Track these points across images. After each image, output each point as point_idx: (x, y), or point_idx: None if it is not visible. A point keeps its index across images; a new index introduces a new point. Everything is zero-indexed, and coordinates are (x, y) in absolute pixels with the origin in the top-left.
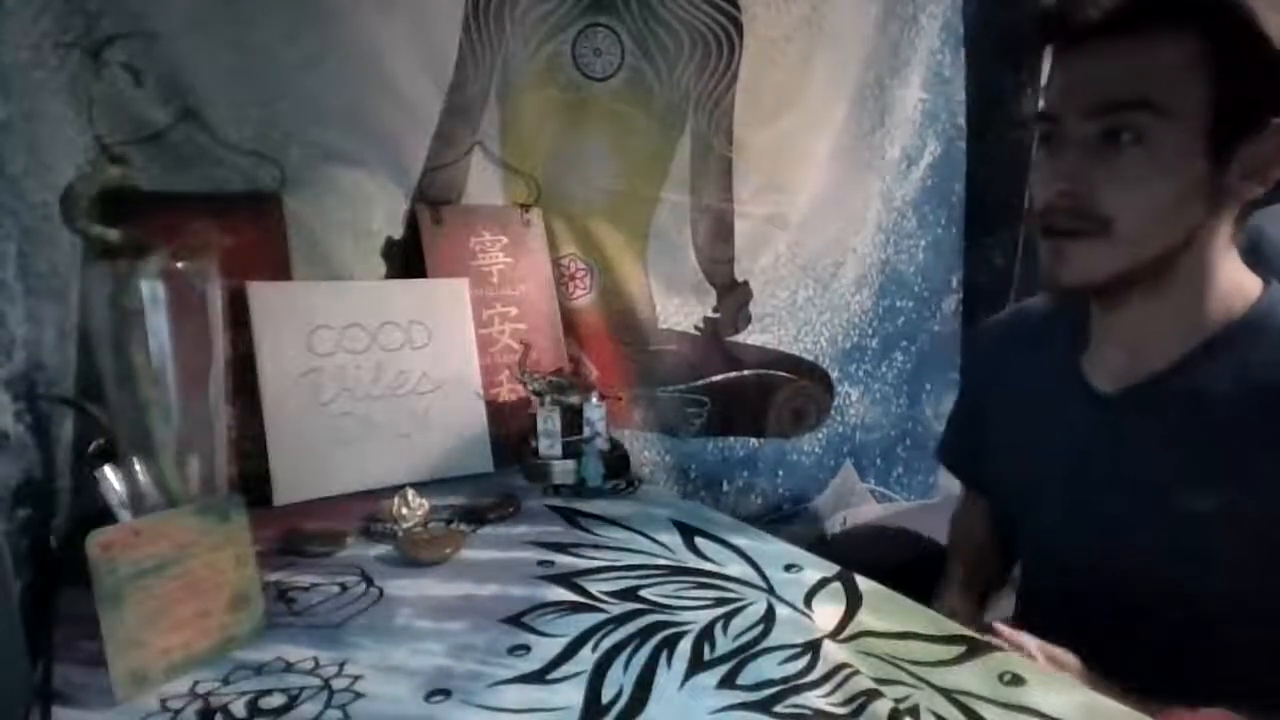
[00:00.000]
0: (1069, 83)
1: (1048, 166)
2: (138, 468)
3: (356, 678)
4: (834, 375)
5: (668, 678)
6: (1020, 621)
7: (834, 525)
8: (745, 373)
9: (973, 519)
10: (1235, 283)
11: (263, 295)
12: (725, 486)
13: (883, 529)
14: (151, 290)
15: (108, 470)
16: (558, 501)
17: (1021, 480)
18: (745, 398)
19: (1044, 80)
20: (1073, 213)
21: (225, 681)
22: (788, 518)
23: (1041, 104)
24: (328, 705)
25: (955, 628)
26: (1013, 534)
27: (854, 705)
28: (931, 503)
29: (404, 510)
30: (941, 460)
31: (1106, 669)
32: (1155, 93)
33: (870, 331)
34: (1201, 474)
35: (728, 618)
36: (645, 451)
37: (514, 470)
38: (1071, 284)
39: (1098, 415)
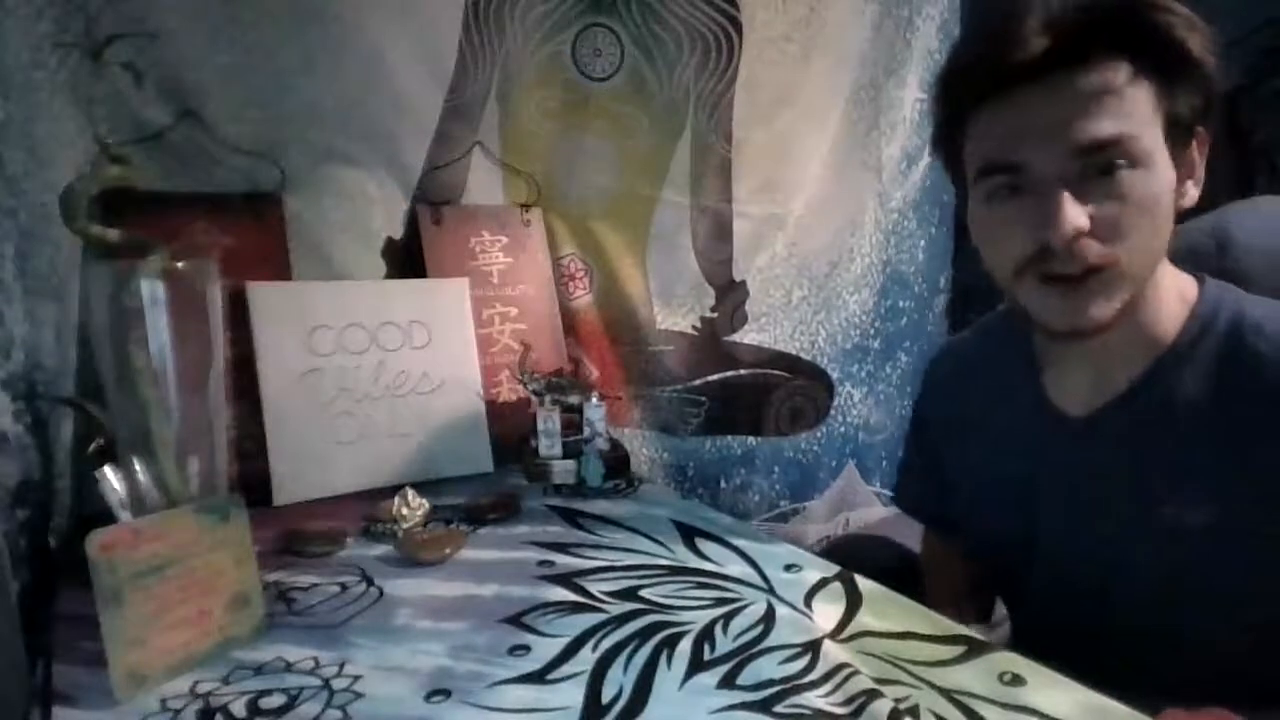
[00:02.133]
0: (1024, 128)
1: (1022, 215)
2: (138, 468)
3: (356, 678)
4: (835, 375)
5: (668, 678)
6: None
7: (836, 526)
8: (742, 372)
9: (944, 560)
10: (1176, 287)
11: (263, 295)
12: (723, 484)
13: (869, 537)
14: (151, 290)
15: (108, 470)
16: (558, 501)
17: (999, 515)
18: (743, 397)
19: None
20: (1081, 248)
21: (225, 681)
22: (785, 516)
23: (989, 156)
24: (328, 705)
25: (955, 628)
26: (990, 573)
27: (854, 705)
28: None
29: (404, 510)
30: (902, 507)
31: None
32: (1127, 119)
33: (872, 332)
34: (1183, 484)
35: (728, 618)
36: (644, 450)
37: (514, 470)
38: (1088, 329)
39: (1070, 440)
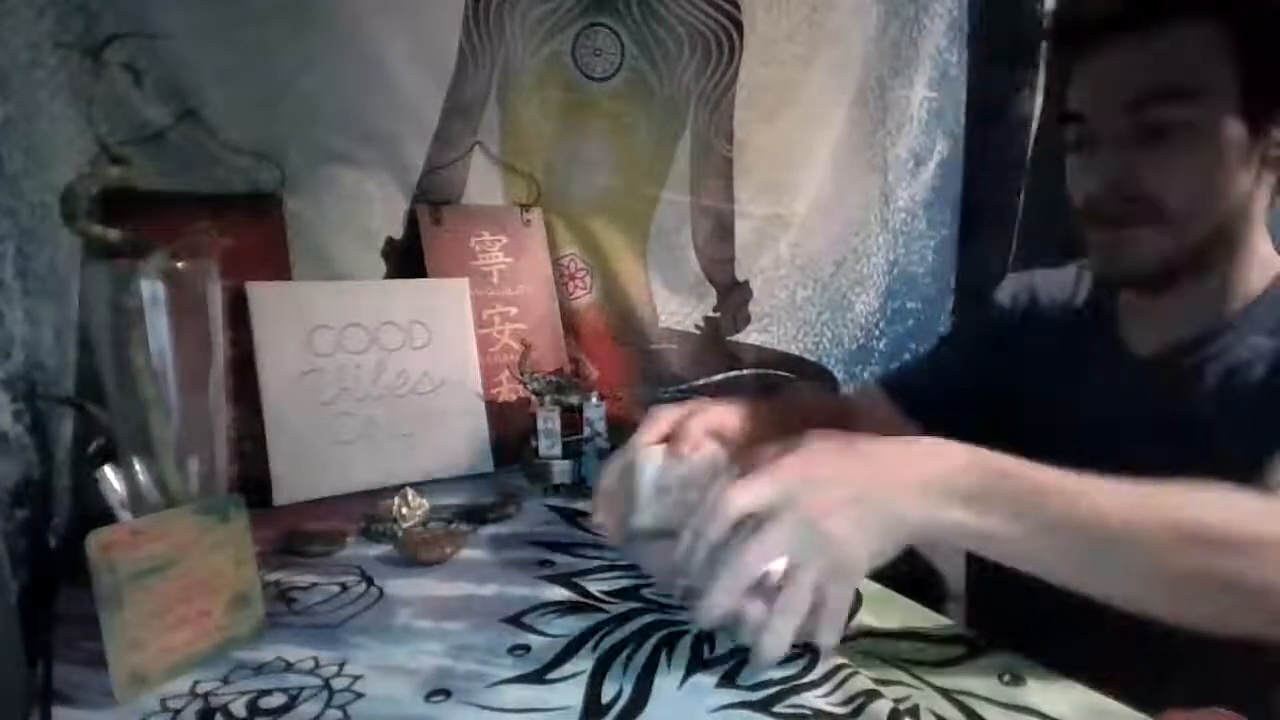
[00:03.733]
0: (1094, 82)
1: (1084, 166)
2: (138, 468)
3: (356, 678)
4: (840, 377)
5: (668, 678)
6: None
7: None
8: (745, 372)
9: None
10: (1266, 257)
11: (263, 295)
12: None
13: None
14: (151, 290)
15: (108, 470)
16: (558, 501)
17: (1055, 438)
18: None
19: (1046, 82)
20: (1124, 201)
21: (225, 681)
22: None
23: (1068, 107)
24: (328, 705)
25: (955, 628)
26: None
27: (854, 705)
28: None
29: (404, 510)
30: (885, 385)
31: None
32: (1187, 80)
33: (878, 333)
34: (1233, 437)
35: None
36: None
37: (514, 470)
38: (1130, 275)
39: (1131, 377)
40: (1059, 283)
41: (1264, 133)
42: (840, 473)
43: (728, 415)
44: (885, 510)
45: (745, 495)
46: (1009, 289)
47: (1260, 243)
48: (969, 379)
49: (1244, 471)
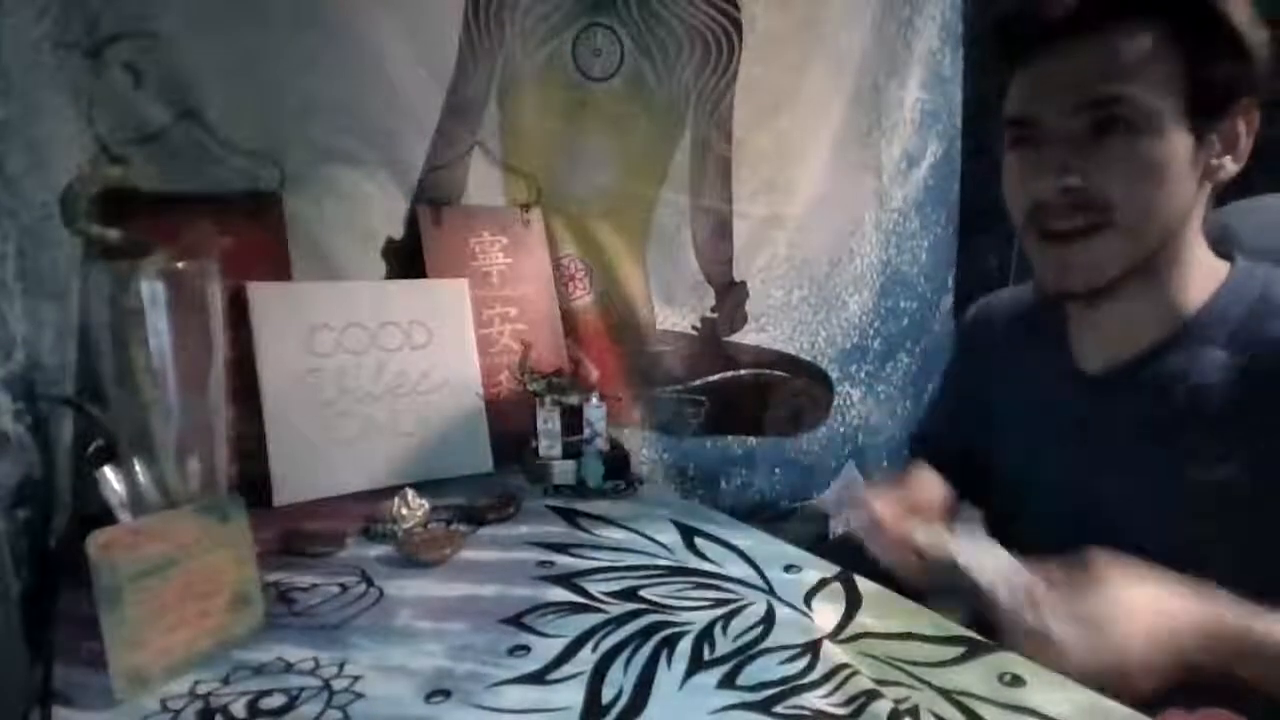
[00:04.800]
0: (1043, 84)
1: (1027, 168)
2: (138, 468)
3: (356, 678)
4: (834, 376)
5: (668, 678)
6: None
7: (838, 527)
8: (742, 372)
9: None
10: (1209, 264)
11: (263, 295)
12: (724, 485)
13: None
14: (151, 290)
15: (108, 470)
16: (558, 501)
17: (1023, 463)
18: (743, 397)
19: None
20: (1073, 207)
21: (225, 681)
22: (785, 517)
23: (1011, 110)
24: (328, 705)
25: (955, 628)
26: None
27: (854, 706)
28: None
29: (404, 510)
30: (916, 452)
31: None
32: (1138, 82)
33: (872, 333)
34: (1189, 450)
35: (728, 618)
36: (644, 450)
37: (514, 470)
38: (1079, 289)
39: (1083, 395)
40: (1014, 302)
41: (1206, 142)
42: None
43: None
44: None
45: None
46: (971, 314)
47: (1201, 252)
48: (959, 415)
49: (1210, 488)
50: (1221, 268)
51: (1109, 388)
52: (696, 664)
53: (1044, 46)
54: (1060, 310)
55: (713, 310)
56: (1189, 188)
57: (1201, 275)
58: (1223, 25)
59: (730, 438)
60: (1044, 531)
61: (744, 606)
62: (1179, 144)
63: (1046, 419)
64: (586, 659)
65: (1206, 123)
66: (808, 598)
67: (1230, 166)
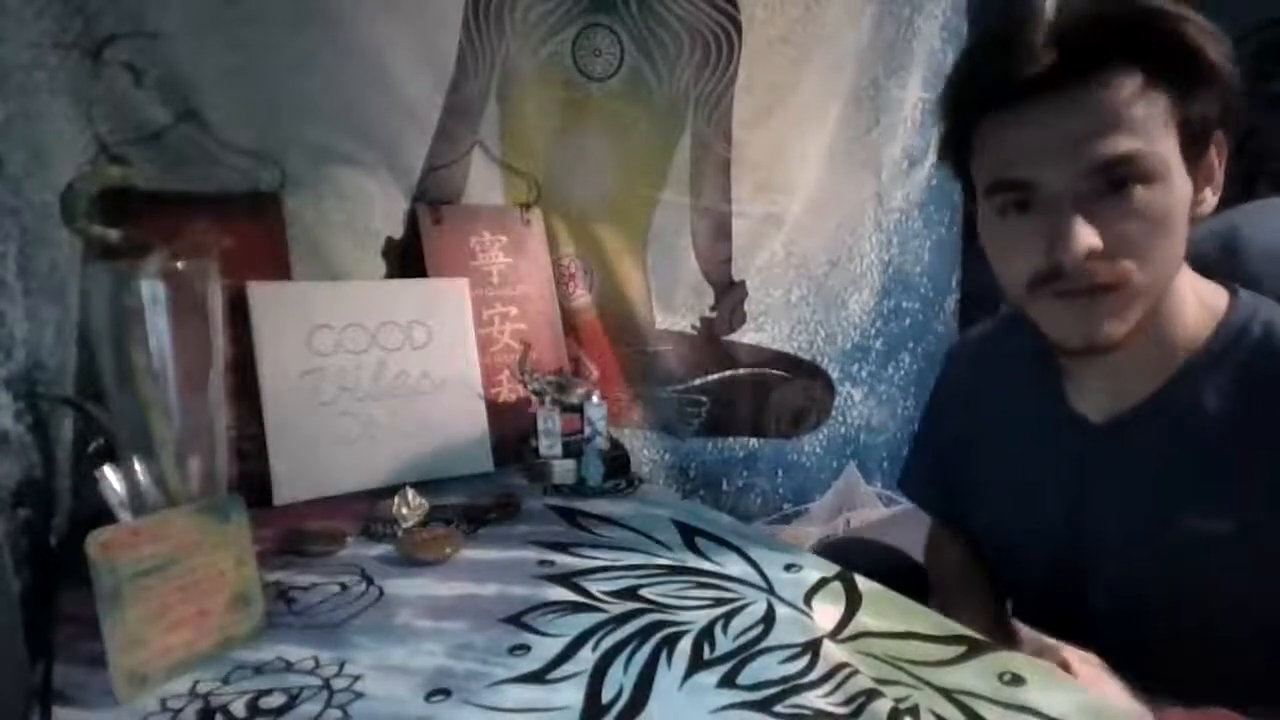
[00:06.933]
0: (1034, 144)
1: (1029, 235)
2: (138, 468)
3: (356, 677)
4: (835, 376)
5: (668, 678)
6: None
7: (838, 527)
8: (741, 372)
9: (954, 555)
10: (1199, 298)
11: (263, 295)
12: (725, 485)
13: (860, 540)
14: (151, 290)
15: (108, 470)
16: (558, 501)
17: (1013, 514)
18: (743, 397)
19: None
20: (1095, 271)
21: (225, 681)
22: (787, 518)
23: (996, 174)
24: (328, 705)
25: (955, 628)
26: (1000, 570)
27: (854, 705)
28: (902, 510)
29: (404, 510)
30: (907, 493)
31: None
32: (1143, 135)
33: (873, 332)
34: (1203, 493)
35: (728, 617)
36: (645, 451)
37: (514, 470)
38: (1102, 344)
39: (1089, 445)
40: (994, 345)
41: (1198, 187)
42: None
43: None
44: None
45: None
46: (960, 357)
47: (1189, 281)
48: (945, 457)
49: (1219, 536)
50: (1215, 296)
51: (1114, 434)
52: (696, 663)
53: (1025, 104)
54: (1051, 356)
55: (712, 310)
56: (1185, 227)
57: (1194, 309)
58: (1200, 60)
59: (731, 439)
60: (1039, 583)
61: (744, 606)
62: (1182, 187)
63: (1045, 470)
64: (587, 658)
65: (1195, 160)
66: (808, 597)
67: (1210, 200)
